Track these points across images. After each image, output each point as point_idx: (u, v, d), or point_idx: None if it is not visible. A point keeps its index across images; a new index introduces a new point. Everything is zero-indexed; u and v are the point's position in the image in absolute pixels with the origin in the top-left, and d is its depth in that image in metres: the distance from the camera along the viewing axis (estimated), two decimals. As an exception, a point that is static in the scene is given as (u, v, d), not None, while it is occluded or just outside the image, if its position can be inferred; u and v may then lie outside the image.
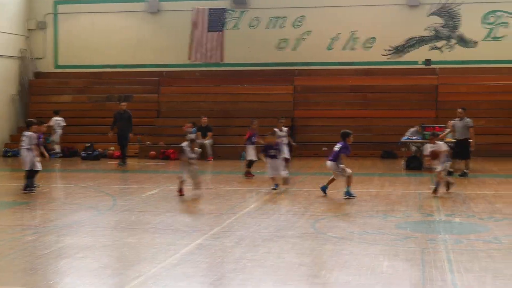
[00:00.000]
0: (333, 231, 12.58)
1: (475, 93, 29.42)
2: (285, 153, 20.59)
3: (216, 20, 31.16)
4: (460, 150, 21.63)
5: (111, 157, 27.20)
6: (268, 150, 18.02)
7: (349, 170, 16.46)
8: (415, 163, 23.32)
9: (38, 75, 32.94)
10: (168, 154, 27.10)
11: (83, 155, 27.55)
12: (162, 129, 29.70)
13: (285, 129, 21.50)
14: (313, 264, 10.32)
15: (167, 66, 32.01)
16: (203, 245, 11.35)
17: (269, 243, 11.48)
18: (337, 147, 16.66)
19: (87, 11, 32.59)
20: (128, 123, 24.95)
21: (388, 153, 27.51)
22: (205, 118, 27.95)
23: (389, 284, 9.05)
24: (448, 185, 17.26)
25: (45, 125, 19.59)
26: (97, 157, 27.25)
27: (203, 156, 26.99)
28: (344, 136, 16.72)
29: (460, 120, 21.95)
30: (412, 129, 24.85)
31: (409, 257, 10.43)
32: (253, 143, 21.16)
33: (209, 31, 31.20)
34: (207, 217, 14.05)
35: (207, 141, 27.44)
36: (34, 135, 17.56)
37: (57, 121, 28.30)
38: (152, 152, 27.63)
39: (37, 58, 32.93)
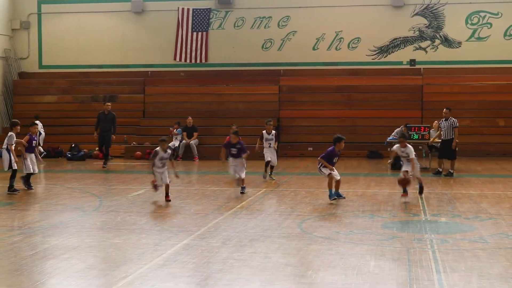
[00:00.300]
0: (319, 231, 12.60)
1: (460, 93, 29.57)
2: (273, 159, 20.15)
3: (200, 20, 31.15)
4: (446, 150, 21.72)
5: (96, 157, 27.14)
6: (230, 148, 17.38)
7: (327, 172, 15.89)
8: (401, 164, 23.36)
9: (22, 75, 32.80)
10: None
11: (68, 155, 27.47)
12: (148, 129, 29.66)
13: (273, 132, 20.54)
14: (299, 264, 10.32)
15: (152, 66, 31.97)
16: (190, 245, 11.34)
17: (256, 243, 11.48)
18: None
19: (72, 11, 32.47)
20: (111, 124, 24.82)
21: (374, 153, 27.60)
22: (191, 118, 27.95)
23: (376, 284, 9.07)
24: (421, 188, 17.00)
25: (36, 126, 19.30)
26: (82, 158, 27.17)
27: (189, 157, 27.05)
28: (335, 141, 16.05)
29: (445, 120, 22.03)
30: (397, 129, 24.92)
31: (396, 257, 10.46)
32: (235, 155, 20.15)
33: (193, 31, 31.19)
34: (194, 218, 14.03)
35: (193, 141, 27.42)
36: (13, 135, 17.52)
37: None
38: (137, 152, 27.58)
39: (21, 58, 32.79)
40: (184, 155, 27.33)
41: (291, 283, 9.24)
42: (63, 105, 31.00)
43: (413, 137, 23.31)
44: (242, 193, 17.12)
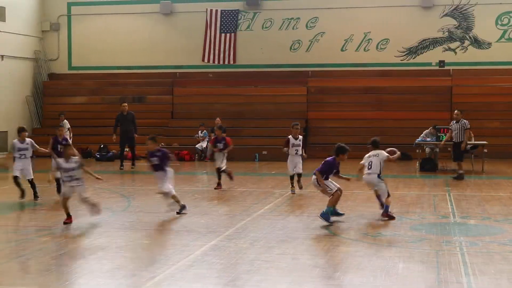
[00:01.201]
0: (347, 232, 12.56)
1: (489, 94, 29.31)
2: (298, 167, 17.74)
3: (229, 22, 31.20)
4: (457, 152, 21.30)
5: (125, 158, 27.20)
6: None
7: (334, 188, 13.77)
8: (430, 165, 23.25)
9: (52, 76, 33.06)
10: (182, 155, 27.13)
11: (97, 156, 27.63)
12: (176, 130, 29.75)
13: (300, 137, 18.04)
14: (327, 266, 10.30)
15: (180, 68, 32.07)
16: (218, 246, 11.35)
17: (284, 244, 11.47)
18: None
19: (101, 12, 32.69)
20: (131, 124, 24.84)
21: (402, 155, 27.36)
22: (219, 119, 27.97)
23: (404, 286, 9.02)
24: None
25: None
26: (111, 158, 27.31)
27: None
28: (337, 152, 13.97)
29: (456, 122, 21.67)
30: (426, 131, 24.77)
31: (424, 259, 10.39)
32: (220, 150, 18.78)
33: (222, 32, 31.24)
34: (222, 219, 14.05)
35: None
36: (17, 142, 16.73)
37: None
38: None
39: (50, 60, 33.06)
40: (211, 156, 27.35)
41: (319, 284, 9.22)
42: (91, 106, 31.21)
43: (441, 138, 23.13)
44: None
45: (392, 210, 14.16)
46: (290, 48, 31.35)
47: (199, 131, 27.94)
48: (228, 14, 31.33)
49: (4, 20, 29.49)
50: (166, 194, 14.44)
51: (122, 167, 24.39)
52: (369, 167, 14.23)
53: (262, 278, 9.42)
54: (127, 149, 25.25)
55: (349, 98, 30.14)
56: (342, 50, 31.04)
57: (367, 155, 14.45)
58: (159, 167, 14.41)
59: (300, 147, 17.74)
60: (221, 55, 31.49)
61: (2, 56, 28.47)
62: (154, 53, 32.25)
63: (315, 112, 29.87)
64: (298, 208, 15.60)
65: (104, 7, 32.68)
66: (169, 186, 14.38)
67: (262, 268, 9.94)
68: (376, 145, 14.58)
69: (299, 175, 17.68)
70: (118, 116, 25.14)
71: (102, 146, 28.09)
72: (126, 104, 25.62)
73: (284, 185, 18.30)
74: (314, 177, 13.79)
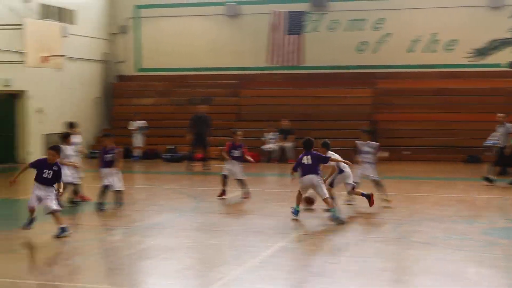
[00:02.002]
0: (417, 236, 12.41)
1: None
2: (373, 174, 15.96)
3: (295, 23, 31.15)
4: (502, 157, 20.49)
5: (194, 159, 27.36)
6: (104, 155, 15.41)
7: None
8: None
9: (121, 78, 33.53)
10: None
11: (166, 157, 27.91)
12: (242, 131, 29.81)
13: (373, 143, 16.04)
14: (396, 269, 10.20)
15: (246, 69, 32.17)
16: (286, 248, 11.36)
17: (352, 247, 11.41)
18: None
19: (168, 15, 33.00)
20: (206, 126, 25.08)
21: (472, 158, 26.95)
22: (286, 121, 27.98)
23: (476, 291, 8.89)
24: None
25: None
26: (179, 159, 27.53)
27: (285, 159, 27.08)
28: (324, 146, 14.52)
29: (501, 125, 20.81)
30: (495, 133, 24.27)
31: (495, 264, 10.22)
32: (236, 158, 17.45)
33: (288, 34, 31.22)
34: (290, 220, 14.02)
35: (288, 144, 27.43)
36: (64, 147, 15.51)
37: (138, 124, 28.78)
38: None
39: (119, 62, 33.52)
40: (279, 157, 27.38)
41: (388, 288, 9.15)
42: (159, 108, 31.52)
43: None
44: None
45: (463, 213, 13.94)
46: (356, 49, 31.14)
47: (267, 133, 27.95)
48: (294, 15, 31.29)
49: (74, 23, 30.04)
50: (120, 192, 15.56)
51: (191, 168, 24.59)
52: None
53: (330, 281, 9.39)
54: (196, 150, 25.47)
55: (417, 99, 29.73)
56: (409, 51, 30.68)
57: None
58: (111, 164, 15.34)
59: (372, 155, 15.85)
60: (287, 57, 31.45)
61: (73, 58, 28.98)
62: (220, 55, 32.42)
63: (383, 114, 29.53)
64: (366, 211, 15.45)
65: (171, 9, 32.98)
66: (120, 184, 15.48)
67: (330, 270, 9.91)
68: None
69: (377, 182, 16.04)
70: (193, 117, 25.43)
71: (172, 147, 28.35)
72: (202, 106, 25.91)
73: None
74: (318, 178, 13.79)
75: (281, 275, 9.71)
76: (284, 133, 27.80)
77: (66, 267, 10.30)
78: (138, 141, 28.59)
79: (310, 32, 31.16)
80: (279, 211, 15.29)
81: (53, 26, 24.84)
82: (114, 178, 15.47)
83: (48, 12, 28.29)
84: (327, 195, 13.77)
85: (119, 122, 31.26)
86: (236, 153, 17.28)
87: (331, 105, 29.90)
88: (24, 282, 9.37)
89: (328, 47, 31.09)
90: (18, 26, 23.22)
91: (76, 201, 16.12)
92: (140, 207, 16.11)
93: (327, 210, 13.90)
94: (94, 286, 9.27)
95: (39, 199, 12.24)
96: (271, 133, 27.97)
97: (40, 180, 12.26)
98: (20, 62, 23.61)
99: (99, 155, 15.81)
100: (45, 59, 23.05)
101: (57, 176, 12.25)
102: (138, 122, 28.60)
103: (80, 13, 30.56)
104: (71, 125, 17.03)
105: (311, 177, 13.79)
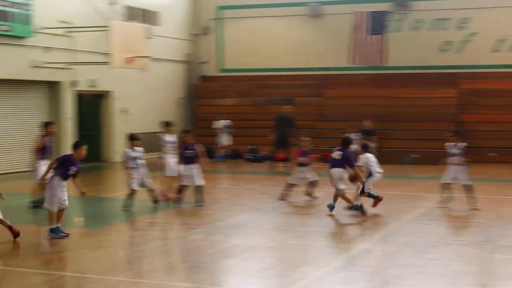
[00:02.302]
0: (504, 240, 12.11)
1: None
2: (464, 178, 15.57)
3: (377, 23, 30.88)
4: None
5: (276, 159, 27.40)
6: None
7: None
8: None
9: (203, 78, 33.87)
10: (330, 157, 27.03)
11: (248, 157, 28.04)
12: (324, 132, 29.73)
13: (461, 145, 15.58)
14: (480, 273, 10.00)
15: (328, 70, 32.03)
16: (368, 249, 11.27)
17: (435, 249, 11.23)
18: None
19: (250, 15, 33.15)
20: (290, 127, 25.10)
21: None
22: (368, 122, 27.71)
23: None
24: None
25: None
26: (261, 159, 27.61)
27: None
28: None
29: None
30: None
31: None
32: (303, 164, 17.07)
33: (370, 34, 30.98)
34: (372, 222, 13.91)
35: (370, 145, 27.16)
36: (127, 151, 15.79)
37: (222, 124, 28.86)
38: (314, 155, 27.51)
39: (202, 62, 33.87)
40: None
41: (472, 292, 8.98)
42: (241, 108, 31.69)
43: None
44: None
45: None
46: (440, 49, 30.64)
47: (350, 133, 27.73)
48: (376, 15, 31.01)
49: (158, 25, 30.50)
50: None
51: (273, 168, 24.65)
52: None
53: (412, 284, 9.27)
54: (279, 151, 25.50)
55: (502, 100, 29.00)
56: (494, 51, 30.00)
57: None
58: (192, 160, 15.66)
59: (459, 157, 15.47)
60: (369, 57, 31.20)
61: (157, 59, 29.41)
62: (302, 56, 32.39)
63: (468, 115, 28.94)
64: (449, 213, 15.19)
65: (253, 10, 33.13)
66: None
67: (412, 273, 9.79)
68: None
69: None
70: (278, 117, 25.52)
71: (254, 147, 28.46)
72: (287, 106, 25.99)
73: (434, 189, 17.87)
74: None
75: (363, 277, 9.63)
76: (366, 134, 27.55)
77: (148, 264, 10.46)
78: (223, 140, 28.61)
79: (393, 32, 30.82)
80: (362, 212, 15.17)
81: (138, 27, 25.29)
82: (194, 174, 15.60)
83: (133, 14, 28.83)
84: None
85: (201, 122, 31.59)
86: (303, 160, 17.01)
87: (414, 106, 29.50)
88: (107, 279, 9.56)
89: (411, 47, 30.68)
90: (104, 28, 23.76)
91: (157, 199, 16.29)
92: (222, 206, 16.23)
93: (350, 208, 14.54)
94: (176, 284, 9.38)
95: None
96: (353, 133, 27.75)
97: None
98: (106, 63, 24.14)
99: (180, 152, 16.05)
100: (130, 60, 23.49)
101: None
102: (222, 121, 28.67)
103: (163, 15, 31.03)
104: (167, 124, 17.43)
105: (339, 171, 14.81)
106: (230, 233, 12.83)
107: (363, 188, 14.98)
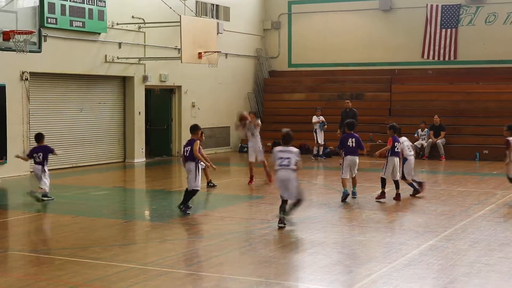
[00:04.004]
0: None
1: None
2: None
3: (450, 17, 30.44)
4: None
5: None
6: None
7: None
8: None
9: (273, 73, 33.92)
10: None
11: (315, 152, 27.94)
12: (393, 127, 29.45)
13: None
14: (554, 272, 9.77)
15: (399, 64, 31.71)
16: (436, 246, 11.13)
17: (506, 248, 11.02)
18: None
19: (320, 10, 33.04)
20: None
21: None
22: (437, 117, 27.36)
23: None
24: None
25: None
26: (328, 155, 27.52)
27: (435, 156, 26.52)
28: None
29: None
30: None
31: None
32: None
33: (442, 28, 30.55)
34: (440, 218, 13.74)
35: (440, 141, 26.84)
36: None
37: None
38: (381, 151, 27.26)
39: (271, 57, 33.93)
40: (430, 154, 26.82)
41: (544, 292, 8.79)
42: (310, 103, 31.58)
43: None
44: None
45: None
46: (514, 43, 29.99)
47: (420, 129, 27.43)
48: (449, 9, 30.58)
49: (228, 20, 30.68)
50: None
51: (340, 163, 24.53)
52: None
53: (482, 282, 9.13)
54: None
55: None
56: None
57: None
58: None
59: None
60: (441, 51, 30.79)
61: (226, 54, 29.59)
62: (372, 50, 32.14)
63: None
64: (522, 211, 14.90)
65: (323, 4, 33.01)
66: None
67: (482, 271, 9.63)
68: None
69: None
70: (342, 112, 25.44)
71: (323, 143, 28.33)
72: (348, 101, 25.92)
73: (506, 186, 17.54)
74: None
75: (430, 274, 9.53)
76: (436, 129, 27.20)
77: (215, 258, 10.55)
78: (319, 136, 27.69)
79: (466, 25, 30.33)
80: (429, 208, 15.01)
81: (208, 23, 25.49)
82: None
83: (204, 10, 29.07)
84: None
85: (270, 117, 31.65)
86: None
87: (486, 101, 28.96)
88: (174, 272, 9.68)
89: (484, 41, 30.13)
90: (175, 24, 24.02)
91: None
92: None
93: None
94: (242, 278, 9.43)
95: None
96: (423, 129, 27.43)
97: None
98: (177, 58, 24.41)
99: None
100: (200, 55, 23.70)
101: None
102: (320, 117, 27.59)
103: (234, 10, 31.19)
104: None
105: (354, 158, 16.03)
106: (297, 228, 12.82)
107: (403, 174, 16.13)
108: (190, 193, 14.35)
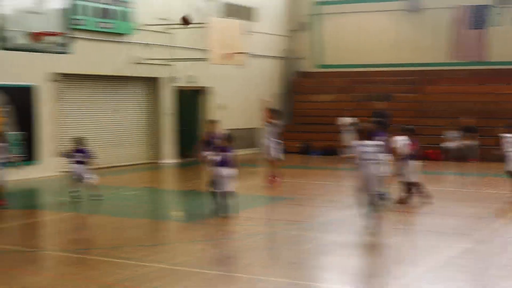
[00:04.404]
0: None
1: None
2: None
3: (478, 17, 30.20)
4: None
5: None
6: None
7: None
8: None
9: (301, 74, 33.85)
10: (428, 154, 26.57)
11: (343, 153, 27.79)
12: (422, 128, 29.23)
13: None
14: None
15: (427, 65, 31.48)
16: (469, 249, 11.00)
17: (542, 250, 10.89)
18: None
19: (349, 11, 32.91)
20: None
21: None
22: (468, 119, 27.07)
23: None
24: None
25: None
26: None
27: (465, 158, 26.28)
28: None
29: None
30: None
31: None
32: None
33: (471, 28, 30.31)
34: (473, 221, 13.58)
35: (470, 142, 26.56)
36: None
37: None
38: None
39: (299, 58, 33.85)
40: (461, 156, 26.56)
41: None
42: (338, 104, 31.39)
43: None
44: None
45: None
46: (544, 44, 29.65)
47: (449, 131, 27.18)
48: (478, 9, 30.33)
49: (256, 21, 30.65)
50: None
51: None
52: None
53: (516, 285, 9.02)
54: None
55: None
56: None
57: None
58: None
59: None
60: (470, 52, 30.54)
61: (254, 55, 29.57)
62: (401, 51, 31.95)
63: None
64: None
65: (352, 5, 32.87)
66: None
67: (516, 274, 9.52)
68: None
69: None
70: (374, 113, 25.28)
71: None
72: (380, 102, 25.67)
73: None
74: None
75: (463, 277, 9.41)
76: (467, 131, 26.92)
77: (244, 259, 10.52)
78: (347, 138, 27.28)
79: (495, 26, 30.05)
80: (461, 211, 14.86)
81: (236, 24, 25.47)
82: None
83: (231, 11, 29.06)
84: None
85: (299, 118, 31.58)
86: None
87: (517, 102, 28.66)
88: (204, 273, 9.65)
89: (513, 42, 29.84)
90: (202, 25, 24.04)
91: None
92: (318, 203, 16.17)
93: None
94: (272, 279, 9.38)
95: None
96: (453, 131, 27.16)
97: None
98: (204, 59, 24.43)
99: None
100: (228, 56, 23.69)
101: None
102: (348, 118, 27.35)
103: (261, 11, 31.17)
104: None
105: None
106: (326, 229, 12.76)
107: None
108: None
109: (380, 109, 25.34)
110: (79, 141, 16.47)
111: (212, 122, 17.71)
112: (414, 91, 30.99)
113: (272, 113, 19.01)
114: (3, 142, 16.01)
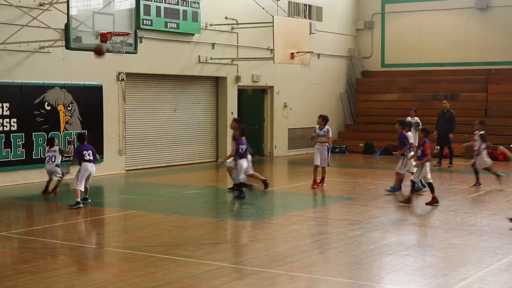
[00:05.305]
0: None
1: None
2: None
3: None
4: None
5: (435, 156, 26.82)
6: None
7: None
8: None
9: (365, 74, 33.66)
10: (496, 154, 26.09)
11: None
12: (490, 128, 28.76)
13: None
14: None
15: (496, 64, 30.96)
16: (533, 251, 10.83)
17: None
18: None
19: (414, 9, 32.59)
20: (449, 123, 24.46)
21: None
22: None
23: None
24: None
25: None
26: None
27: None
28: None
29: None
30: None
31: None
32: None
33: (541, 26, 29.72)
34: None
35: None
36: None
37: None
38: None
39: (364, 57, 33.67)
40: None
41: None
42: (402, 103, 31.14)
43: None
44: None
45: None
46: None
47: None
48: (548, 7, 29.70)
49: (321, 20, 30.61)
50: None
51: (438, 164, 24.17)
52: None
53: None
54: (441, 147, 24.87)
55: None
56: None
57: None
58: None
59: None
60: (541, 50, 29.94)
61: (319, 54, 29.52)
62: (468, 50, 31.50)
63: None
64: None
65: (417, 4, 32.55)
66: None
67: None
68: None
69: None
70: (439, 113, 24.98)
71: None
72: (445, 101, 25.30)
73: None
74: None
75: (528, 280, 9.28)
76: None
77: (306, 259, 10.53)
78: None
79: None
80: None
81: (301, 23, 25.50)
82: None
83: (296, 10, 29.09)
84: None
85: (362, 117, 31.43)
86: None
87: None
88: (266, 271, 9.70)
89: None
90: (267, 24, 24.12)
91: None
92: (381, 203, 16.09)
93: None
94: (334, 279, 9.39)
95: None
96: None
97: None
98: (269, 58, 24.50)
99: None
100: (292, 55, 23.73)
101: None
102: (415, 118, 26.46)
103: (326, 10, 31.11)
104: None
105: None
106: (389, 230, 12.69)
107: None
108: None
109: (445, 108, 24.95)
110: (81, 137, 15.74)
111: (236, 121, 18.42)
112: (481, 90, 30.50)
113: (323, 120, 18.66)
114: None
